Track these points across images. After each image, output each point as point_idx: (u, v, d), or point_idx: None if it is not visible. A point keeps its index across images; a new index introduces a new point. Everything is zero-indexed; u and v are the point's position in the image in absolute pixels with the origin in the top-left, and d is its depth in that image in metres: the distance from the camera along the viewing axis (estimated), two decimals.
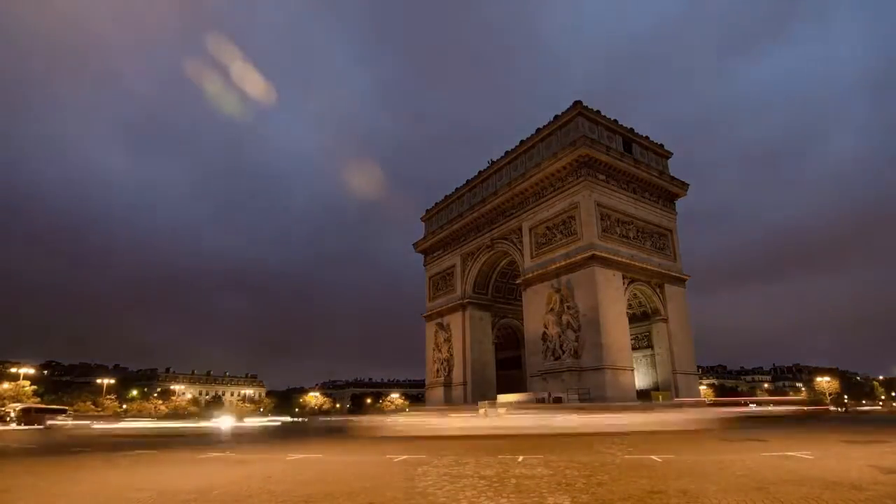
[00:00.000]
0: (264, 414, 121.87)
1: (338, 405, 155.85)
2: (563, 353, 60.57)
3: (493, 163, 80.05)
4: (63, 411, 70.72)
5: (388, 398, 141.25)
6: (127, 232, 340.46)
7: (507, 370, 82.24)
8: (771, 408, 69.41)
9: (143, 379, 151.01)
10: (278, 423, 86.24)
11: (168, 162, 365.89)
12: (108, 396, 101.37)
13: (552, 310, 62.66)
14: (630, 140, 69.57)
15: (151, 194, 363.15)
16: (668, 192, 71.45)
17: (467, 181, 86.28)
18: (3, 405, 77.55)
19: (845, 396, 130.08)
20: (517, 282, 71.58)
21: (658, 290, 65.78)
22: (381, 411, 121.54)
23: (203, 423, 73.45)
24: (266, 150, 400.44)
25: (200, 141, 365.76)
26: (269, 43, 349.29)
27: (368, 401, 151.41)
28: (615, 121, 68.36)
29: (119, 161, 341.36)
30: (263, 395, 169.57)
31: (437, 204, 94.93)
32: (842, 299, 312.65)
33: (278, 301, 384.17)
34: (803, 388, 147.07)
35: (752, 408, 70.90)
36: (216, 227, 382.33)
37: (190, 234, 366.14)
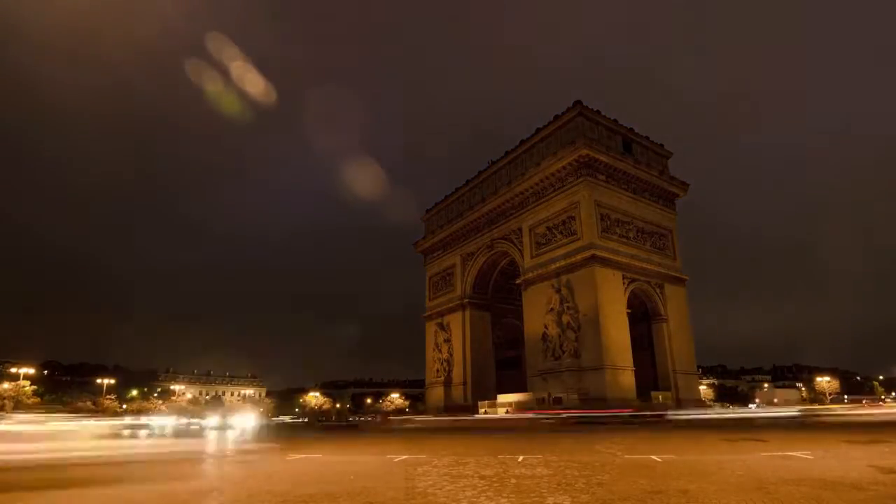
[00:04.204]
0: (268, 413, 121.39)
1: (338, 405, 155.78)
2: (563, 353, 60.54)
3: (493, 163, 79.98)
4: None
5: (389, 398, 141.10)
6: (128, 231, 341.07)
7: (507, 370, 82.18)
8: None
9: (143, 379, 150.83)
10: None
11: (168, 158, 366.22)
12: (108, 396, 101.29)
13: (552, 310, 62.63)
14: (630, 140, 69.54)
15: (152, 193, 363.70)
16: (667, 192, 71.44)
17: (467, 181, 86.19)
18: (2, 406, 77.56)
19: (844, 396, 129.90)
20: (517, 281, 71.54)
21: (658, 290, 65.76)
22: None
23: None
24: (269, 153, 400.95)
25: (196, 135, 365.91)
26: None
27: (369, 401, 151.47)
28: (615, 121, 68.31)
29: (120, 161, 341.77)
30: (264, 395, 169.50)
31: (437, 204, 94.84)
32: (842, 299, 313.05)
33: (278, 300, 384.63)
34: (803, 388, 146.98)
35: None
36: (217, 226, 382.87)
37: (191, 232, 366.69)
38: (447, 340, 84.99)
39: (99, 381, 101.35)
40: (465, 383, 79.32)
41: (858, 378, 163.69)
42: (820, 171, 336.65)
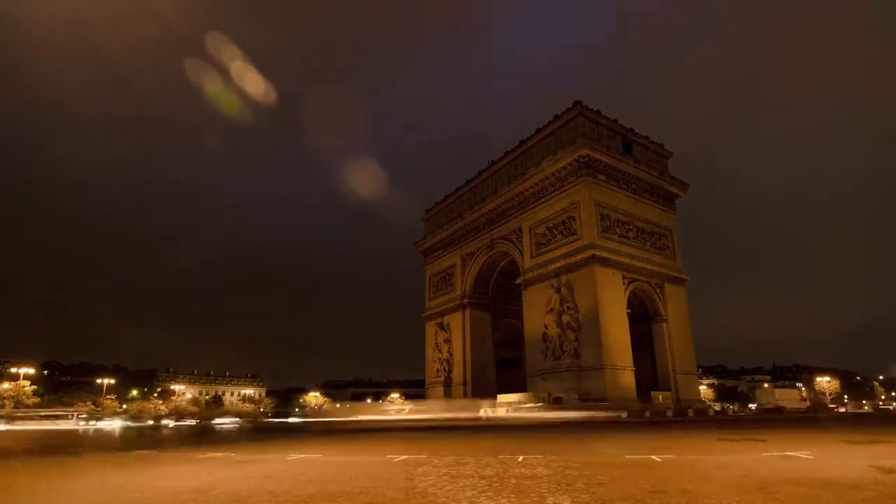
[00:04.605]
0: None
1: (338, 405, 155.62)
2: (563, 352, 60.58)
3: (492, 163, 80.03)
4: None
5: (389, 398, 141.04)
6: (128, 232, 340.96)
7: (507, 370, 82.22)
8: None
9: (143, 379, 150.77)
10: None
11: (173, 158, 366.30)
12: (108, 396, 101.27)
13: (552, 310, 62.66)
14: (630, 140, 69.58)
15: (152, 192, 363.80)
16: (667, 192, 71.48)
17: (467, 181, 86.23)
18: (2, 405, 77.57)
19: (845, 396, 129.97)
20: (517, 281, 71.60)
21: (658, 290, 65.78)
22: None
23: None
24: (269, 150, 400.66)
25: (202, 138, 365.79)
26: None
27: (369, 400, 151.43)
28: (615, 121, 68.32)
29: (120, 161, 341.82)
30: (263, 395, 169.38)
31: (437, 204, 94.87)
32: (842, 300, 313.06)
33: (279, 300, 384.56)
34: (803, 388, 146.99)
35: None
36: (217, 226, 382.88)
37: (191, 232, 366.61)
38: (447, 340, 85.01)
39: (99, 381, 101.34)
40: (465, 383, 79.36)
41: (858, 378, 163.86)
42: (820, 171, 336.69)
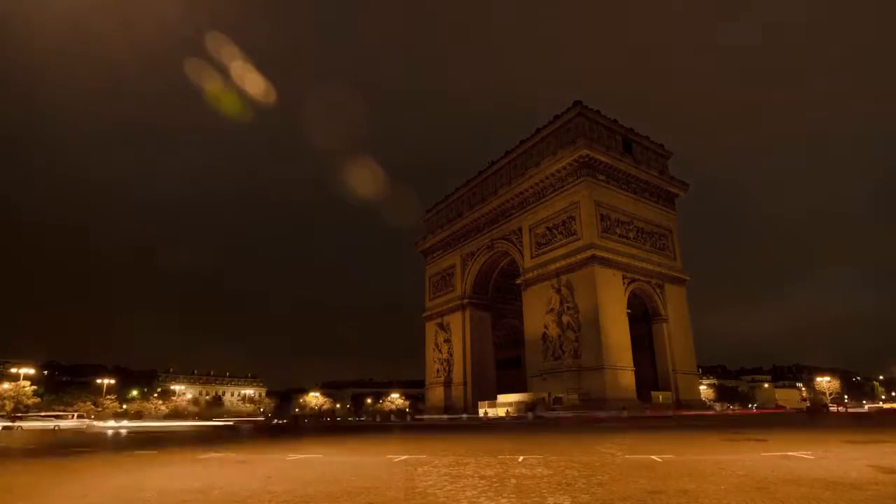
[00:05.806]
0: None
1: (338, 405, 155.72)
2: (563, 353, 60.58)
3: (492, 163, 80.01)
4: None
5: (389, 398, 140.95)
6: (128, 231, 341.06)
7: (507, 370, 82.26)
8: None
9: (144, 379, 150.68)
10: None
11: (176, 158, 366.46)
12: (108, 396, 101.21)
13: (552, 310, 62.65)
14: (630, 140, 69.60)
15: (153, 192, 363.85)
16: (667, 192, 71.49)
17: (467, 181, 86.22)
18: (3, 405, 77.54)
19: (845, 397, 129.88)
20: (517, 282, 71.59)
21: (658, 290, 65.77)
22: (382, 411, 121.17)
23: None
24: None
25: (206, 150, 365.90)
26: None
27: (369, 401, 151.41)
28: (615, 121, 68.32)
29: (120, 160, 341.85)
30: (264, 395, 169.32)
31: (437, 204, 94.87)
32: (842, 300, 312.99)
33: (279, 300, 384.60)
34: (804, 388, 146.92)
35: None
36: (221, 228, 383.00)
37: (191, 230, 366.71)
38: (447, 340, 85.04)
39: (99, 381, 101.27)
40: (465, 383, 79.38)
41: (858, 378, 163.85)
42: (820, 171, 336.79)
